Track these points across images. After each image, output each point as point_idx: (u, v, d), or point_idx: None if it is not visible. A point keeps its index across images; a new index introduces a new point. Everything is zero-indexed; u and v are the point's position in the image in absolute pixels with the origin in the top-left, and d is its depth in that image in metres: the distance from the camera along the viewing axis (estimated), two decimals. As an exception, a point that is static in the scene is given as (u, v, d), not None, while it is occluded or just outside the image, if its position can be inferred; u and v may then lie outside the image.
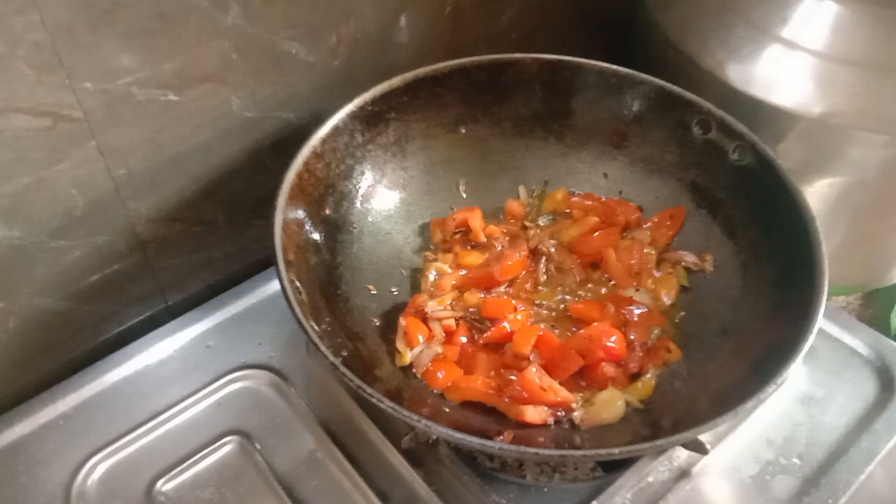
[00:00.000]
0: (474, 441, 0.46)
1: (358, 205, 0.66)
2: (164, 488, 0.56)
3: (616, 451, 0.47)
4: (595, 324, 0.60)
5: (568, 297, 0.65)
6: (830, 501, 0.56)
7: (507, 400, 0.56)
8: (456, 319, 0.62)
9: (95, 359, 0.63)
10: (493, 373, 0.59)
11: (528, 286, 0.66)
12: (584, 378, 0.59)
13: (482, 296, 0.64)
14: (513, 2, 0.75)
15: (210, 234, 0.67)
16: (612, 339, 0.58)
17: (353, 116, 0.63)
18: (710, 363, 0.59)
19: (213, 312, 0.67)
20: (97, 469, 0.57)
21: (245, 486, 0.56)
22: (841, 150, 0.65)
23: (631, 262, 0.66)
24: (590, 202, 0.70)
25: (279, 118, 0.64)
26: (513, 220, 0.71)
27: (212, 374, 0.62)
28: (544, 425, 0.56)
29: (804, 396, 0.63)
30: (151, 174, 0.59)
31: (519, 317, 0.61)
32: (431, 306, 0.62)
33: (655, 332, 0.62)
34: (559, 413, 0.56)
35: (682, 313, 0.64)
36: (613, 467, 0.57)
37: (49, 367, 0.63)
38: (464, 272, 0.66)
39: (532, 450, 0.47)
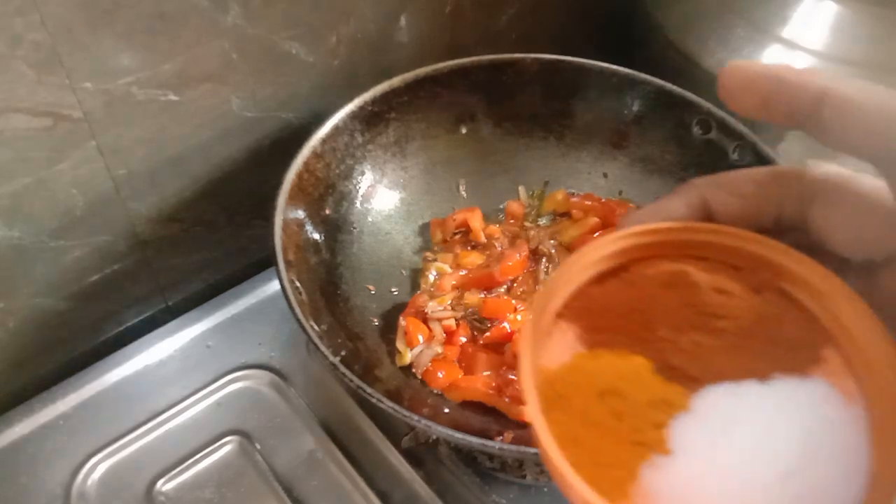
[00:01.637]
0: (474, 441, 0.46)
1: (358, 205, 0.66)
2: (164, 488, 0.56)
3: (616, 451, 0.47)
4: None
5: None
6: (830, 501, 0.56)
7: (507, 400, 0.56)
8: (456, 319, 0.62)
9: (95, 359, 0.63)
10: (493, 373, 0.58)
11: (528, 286, 0.66)
12: (584, 378, 0.59)
13: (482, 296, 0.64)
14: (513, 2, 0.75)
15: (210, 234, 0.67)
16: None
17: (353, 116, 0.63)
18: (710, 363, 0.59)
19: (213, 312, 0.67)
20: (97, 469, 0.57)
21: (245, 486, 0.56)
22: (841, 150, 0.65)
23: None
24: (589, 202, 0.70)
25: (279, 118, 0.64)
26: (513, 220, 0.71)
27: (212, 374, 0.62)
28: (544, 425, 0.56)
29: (804, 396, 0.63)
30: (151, 174, 0.59)
31: (519, 317, 0.61)
32: (431, 306, 0.62)
33: (655, 332, 0.62)
34: (559, 413, 0.56)
35: (682, 313, 0.64)
36: (613, 467, 0.57)
37: (49, 367, 0.63)
38: (464, 272, 0.66)
39: (532, 450, 0.47)
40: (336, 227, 0.63)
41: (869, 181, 0.25)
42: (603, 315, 0.27)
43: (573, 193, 0.71)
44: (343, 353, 0.54)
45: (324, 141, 0.61)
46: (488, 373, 0.59)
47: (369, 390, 0.47)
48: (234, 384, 0.62)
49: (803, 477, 0.23)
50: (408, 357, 0.60)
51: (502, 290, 0.65)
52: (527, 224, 0.71)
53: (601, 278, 0.28)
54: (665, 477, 0.24)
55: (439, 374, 0.58)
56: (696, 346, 0.26)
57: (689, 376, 0.25)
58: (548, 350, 0.27)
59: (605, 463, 0.24)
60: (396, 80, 0.64)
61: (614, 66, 0.67)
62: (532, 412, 0.24)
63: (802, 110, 0.24)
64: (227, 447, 0.58)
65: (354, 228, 0.65)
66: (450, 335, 0.61)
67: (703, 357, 0.26)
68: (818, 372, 0.25)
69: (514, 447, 0.47)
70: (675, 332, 0.26)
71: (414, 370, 0.60)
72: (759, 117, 0.25)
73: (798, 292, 0.27)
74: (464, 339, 0.61)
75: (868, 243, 0.25)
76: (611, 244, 0.28)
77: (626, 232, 0.28)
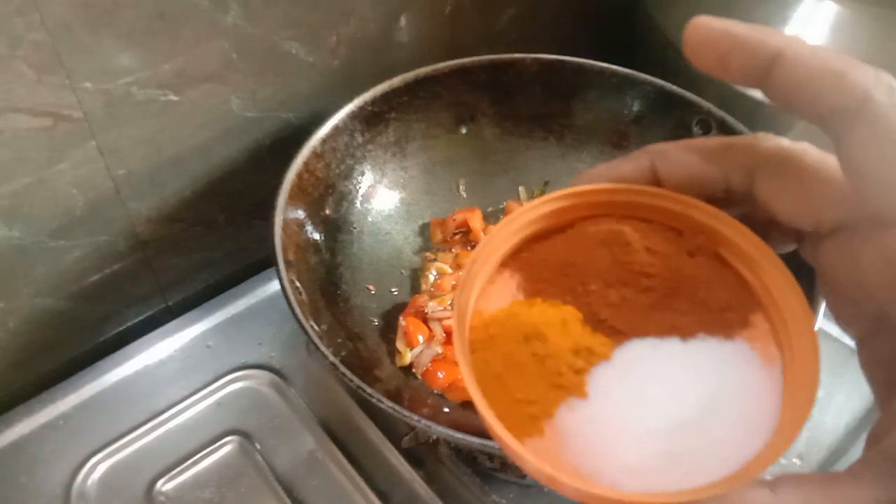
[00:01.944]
0: (474, 441, 0.46)
1: (358, 205, 0.66)
2: (164, 488, 0.56)
3: (616, 451, 0.47)
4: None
5: (568, 297, 0.65)
6: (830, 501, 0.56)
7: (507, 400, 0.56)
8: (456, 319, 0.62)
9: (95, 359, 0.63)
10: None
11: (528, 286, 0.66)
12: (584, 378, 0.59)
13: (482, 296, 0.64)
14: (513, 2, 0.75)
15: (210, 234, 0.67)
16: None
17: (353, 116, 0.63)
18: (710, 363, 0.59)
19: (213, 312, 0.67)
20: (97, 469, 0.57)
21: (245, 486, 0.56)
22: (841, 150, 0.65)
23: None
24: (589, 202, 0.70)
25: (279, 118, 0.64)
26: (513, 220, 0.71)
27: (212, 374, 0.62)
28: (544, 425, 0.56)
29: (804, 396, 0.63)
30: (151, 174, 0.59)
31: (519, 317, 0.61)
32: (432, 306, 0.62)
33: (655, 332, 0.62)
34: (559, 413, 0.56)
35: (682, 313, 0.64)
36: (613, 467, 0.57)
37: (49, 367, 0.63)
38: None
39: (532, 450, 0.47)
40: (336, 227, 0.63)
41: (815, 154, 0.26)
42: (542, 267, 0.29)
43: (573, 193, 0.71)
44: (343, 353, 0.54)
45: (324, 141, 0.61)
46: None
47: (369, 390, 0.47)
48: (234, 384, 0.62)
49: (702, 428, 0.25)
50: (408, 357, 0.60)
51: (502, 290, 0.65)
52: (527, 224, 0.70)
53: (547, 233, 0.30)
54: (579, 418, 0.25)
55: (439, 374, 0.58)
56: (624, 302, 0.28)
57: (615, 329, 0.27)
58: (489, 296, 0.29)
59: (523, 400, 0.26)
60: (396, 80, 0.64)
61: (614, 66, 0.67)
62: (458, 349, 0.26)
63: (758, 70, 0.24)
64: (227, 447, 0.58)
65: (354, 228, 0.65)
66: (450, 335, 0.61)
67: (630, 312, 0.27)
68: (743, 335, 0.27)
69: (514, 447, 0.47)
70: (605, 286, 0.28)
71: (414, 370, 0.60)
72: (720, 75, 0.25)
73: (733, 259, 0.28)
74: (464, 339, 0.61)
75: (810, 214, 0.25)
76: (556, 201, 0.29)
77: (572, 190, 0.29)
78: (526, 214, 0.29)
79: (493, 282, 0.29)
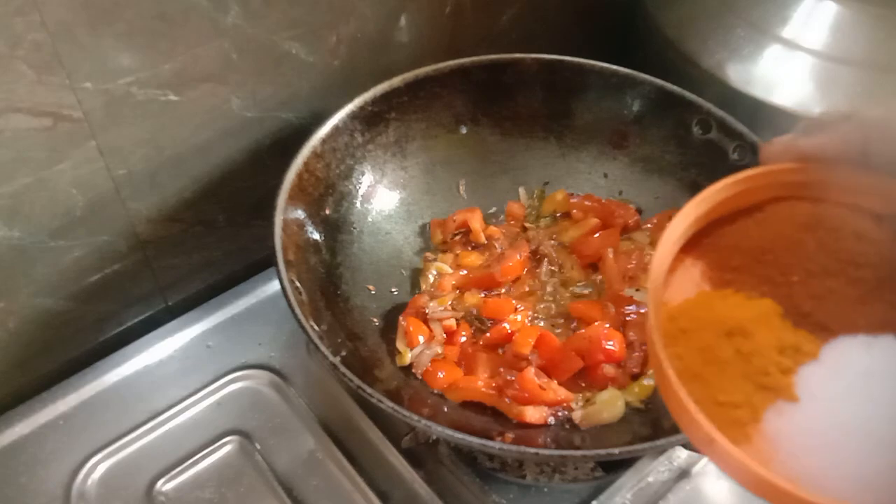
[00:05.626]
0: (474, 441, 0.46)
1: (358, 205, 0.66)
2: (164, 488, 0.56)
3: (616, 451, 0.47)
4: (595, 323, 0.60)
5: (568, 297, 0.65)
6: (830, 501, 0.56)
7: (507, 400, 0.56)
8: (456, 319, 0.62)
9: (95, 359, 0.63)
10: (492, 373, 0.58)
11: (528, 287, 0.66)
12: (585, 378, 0.59)
13: (482, 296, 0.64)
14: (513, 2, 0.75)
15: (210, 234, 0.67)
16: (611, 342, 0.58)
17: (353, 116, 0.63)
18: (710, 363, 0.59)
19: (213, 312, 0.67)
20: (97, 469, 0.57)
21: (245, 486, 0.56)
22: (841, 150, 0.65)
23: (628, 265, 0.65)
24: (589, 203, 0.70)
25: (279, 118, 0.64)
26: (513, 221, 0.71)
27: (212, 374, 0.62)
28: (544, 425, 0.56)
29: (804, 396, 0.63)
30: (151, 174, 0.59)
31: (519, 317, 0.61)
32: (432, 307, 0.62)
33: (655, 332, 0.62)
34: (559, 413, 0.56)
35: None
36: (613, 467, 0.57)
37: (49, 367, 0.63)
38: (464, 272, 0.66)
39: (532, 450, 0.47)
40: (336, 227, 0.63)
41: None
42: (732, 254, 0.26)
43: (573, 194, 0.71)
44: (343, 353, 0.54)
45: (324, 141, 0.61)
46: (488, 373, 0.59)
47: (369, 390, 0.47)
48: (234, 384, 0.62)
49: None
50: (408, 357, 0.60)
51: (503, 290, 0.65)
52: (527, 225, 0.71)
53: (732, 216, 0.27)
54: (790, 424, 0.23)
55: (439, 375, 0.58)
56: (829, 294, 0.25)
57: (819, 324, 0.25)
58: (670, 285, 0.26)
59: (728, 402, 0.23)
60: (396, 80, 0.64)
61: (614, 66, 0.67)
62: (657, 347, 0.24)
63: (850, 160, 0.23)
64: (227, 447, 0.58)
65: (354, 228, 0.65)
66: (450, 335, 0.61)
67: (837, 305, 0.25)
68: None
69: (514, 447, 0.47)
70: (808, 276, 0.25)
71: (414, 370, 0.60)
72: None
73: None
74: (464, 339, 0.61)
75: None
76: (743, 182, 0.26)
77: (763, 170, 0.26)
78: (710, 198, 0.26)
79: (672, 270, 0.27)
